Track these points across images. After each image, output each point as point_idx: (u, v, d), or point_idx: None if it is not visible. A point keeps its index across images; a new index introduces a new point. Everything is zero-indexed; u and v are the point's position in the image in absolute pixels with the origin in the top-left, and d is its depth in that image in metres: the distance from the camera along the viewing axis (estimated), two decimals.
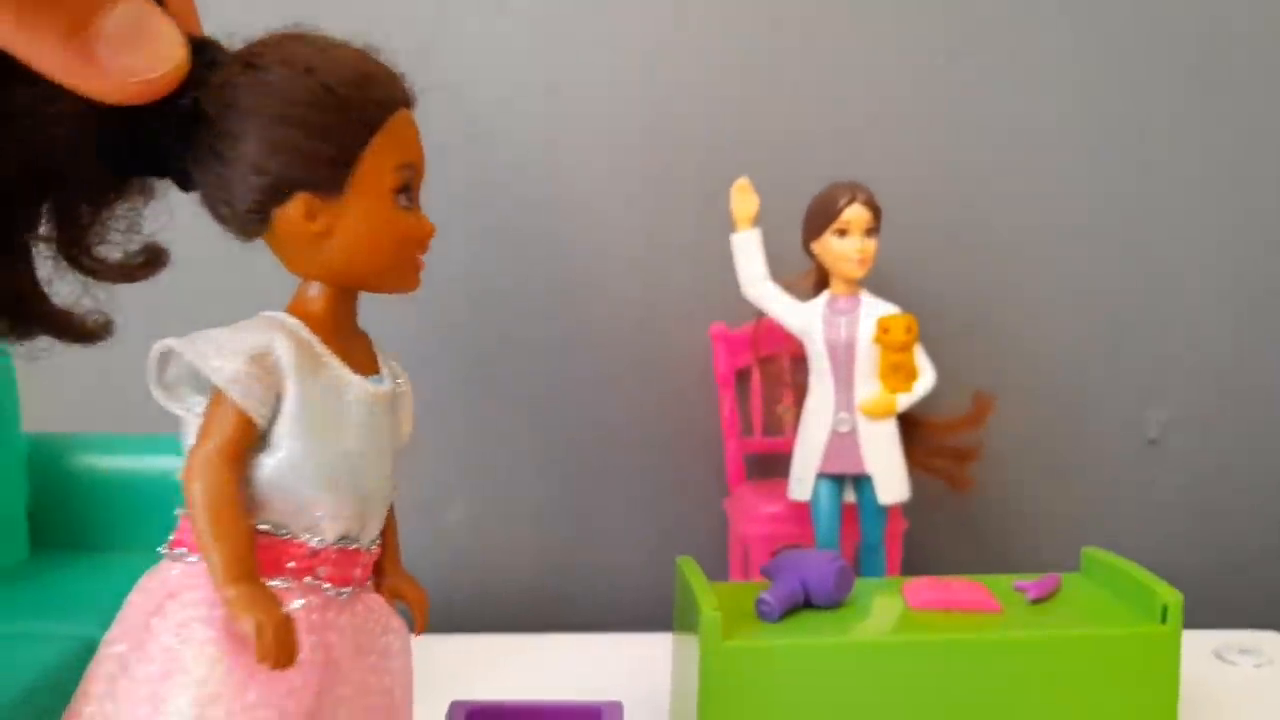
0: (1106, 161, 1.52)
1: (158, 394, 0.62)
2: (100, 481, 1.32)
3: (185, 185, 0.59)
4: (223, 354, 0.59)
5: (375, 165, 0.61)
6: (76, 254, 0.47)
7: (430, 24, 1.44)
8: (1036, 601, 1.08)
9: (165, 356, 0.61)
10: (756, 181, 1.33)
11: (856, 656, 0.97)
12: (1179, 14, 1.50)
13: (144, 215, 0.55)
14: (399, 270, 0.65)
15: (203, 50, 0.55)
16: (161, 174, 0.54)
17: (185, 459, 0.60)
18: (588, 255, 1.49)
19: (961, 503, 1.51)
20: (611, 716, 0.89)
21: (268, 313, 0.64)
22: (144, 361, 0.61)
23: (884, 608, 1.06)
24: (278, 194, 0.60)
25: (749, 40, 1.47)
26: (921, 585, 1.08)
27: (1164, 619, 1.01)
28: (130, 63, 0.34)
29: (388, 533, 0.71)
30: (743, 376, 1.48)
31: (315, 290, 0.64)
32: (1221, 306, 1.56)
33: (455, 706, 0.91)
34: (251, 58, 0.58)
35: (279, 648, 0.57)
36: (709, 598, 0.97)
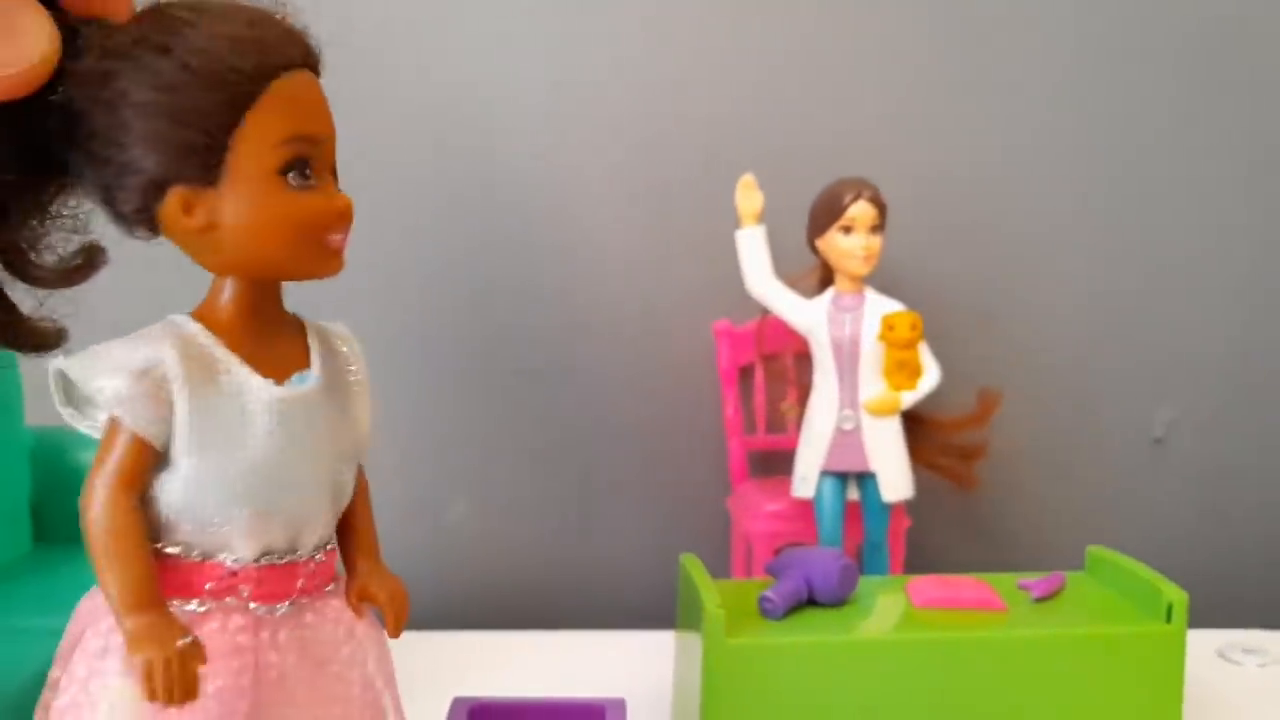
0: (1113, 158, 1.52)
1: (66, 414, 0.58)
2: None
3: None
4: (109, 372, 0.55)
5: (253, 144, 0.55)
6: (14, 259, 0.44)
7: (433, 21, 1.43)
8: (1041, 600, 1.07)
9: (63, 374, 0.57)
10: (761, 178, 1.32)
11: (861, 654, 0.97)
12: (1187, 14, 1.50)
13: (79, 215, 0.52)
14: (306, 256, 0.58)
15: (79, 36, 0.50)
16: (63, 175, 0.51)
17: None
18: (590, 251, 1.49)
19: (965, 501, 1.50)
20: (615, 714, 0.89)
21: (173, 316, 0.59)
22: None
23: (888, 606, 1.06)
24: (154, 192, 0.55)
25: (755, 36, 1.47)
26: (925, 583, 1.08)
27: (1169, 618, 1.00)
28: None
29: (359, 532, 0.66)
30: (746, 373, 1.48)
31: (223, 286, 0.59)
32: (1229, 305, 1.55)
33: (457, 703, 0.91)
34: (112, 41, 0.53)
35: (176, 682, 0.53)
36: (712, 595, 0.97)
